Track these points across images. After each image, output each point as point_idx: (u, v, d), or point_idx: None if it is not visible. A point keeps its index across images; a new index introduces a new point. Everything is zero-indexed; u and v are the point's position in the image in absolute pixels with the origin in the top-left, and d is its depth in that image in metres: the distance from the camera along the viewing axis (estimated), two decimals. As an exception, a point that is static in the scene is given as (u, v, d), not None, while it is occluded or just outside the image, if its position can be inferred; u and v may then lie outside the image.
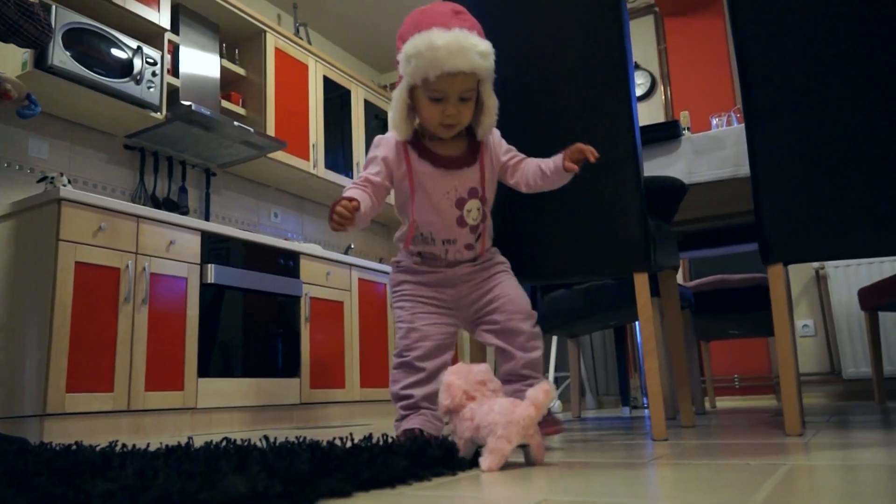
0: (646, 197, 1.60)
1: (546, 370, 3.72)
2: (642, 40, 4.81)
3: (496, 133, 1.51)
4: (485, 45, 1.34)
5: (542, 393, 1.04)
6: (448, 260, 1.49)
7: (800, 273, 4.14)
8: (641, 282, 1.57)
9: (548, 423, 1.35)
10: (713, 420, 2.25)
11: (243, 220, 4.22)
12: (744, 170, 2.00)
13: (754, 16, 1.57)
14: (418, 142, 1.46)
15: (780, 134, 1.54)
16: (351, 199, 1.31)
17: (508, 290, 1.48)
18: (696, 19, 4.67)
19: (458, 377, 1.13)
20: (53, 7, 2.85)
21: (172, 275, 2.93)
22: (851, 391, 3.92)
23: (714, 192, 2.20)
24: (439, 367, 1.41)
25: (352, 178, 4.59)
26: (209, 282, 3.06)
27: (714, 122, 2.52)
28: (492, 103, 1.42)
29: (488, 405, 1.08)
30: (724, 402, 4.10)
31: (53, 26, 2.82)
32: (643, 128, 2.02)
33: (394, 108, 1.41)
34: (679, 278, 3.97)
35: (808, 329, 4.08)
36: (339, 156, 4.55)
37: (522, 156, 1.51)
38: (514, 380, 1.43)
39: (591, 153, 1.37)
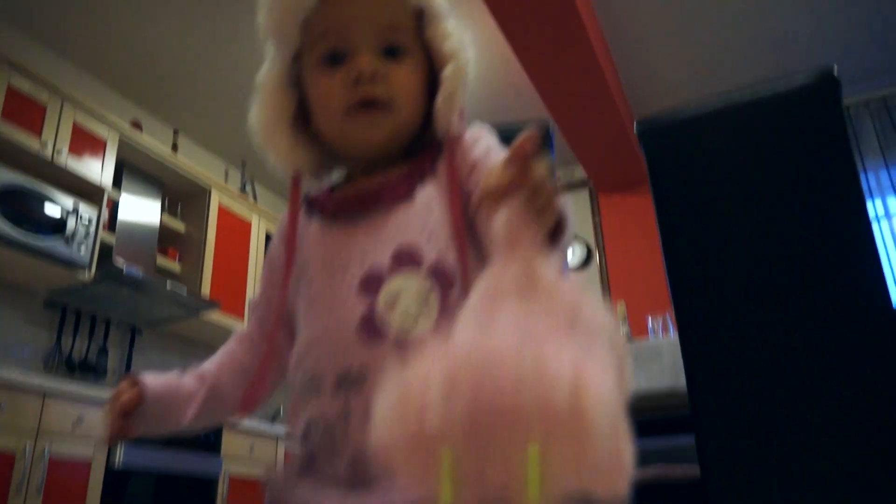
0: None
1: None
2: (579, 212, 5.04)
3: (478, 134, 0.76)
4: None
5: None
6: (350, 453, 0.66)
7: None
8: None
9: None
10: None
11: (166, 380, 3.97)
12: (681, 381, 1.99)
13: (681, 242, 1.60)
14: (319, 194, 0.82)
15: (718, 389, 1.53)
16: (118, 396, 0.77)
17: None
18: (627, 197, 4.93)
19: None
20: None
21: (75, 459, 2.64)
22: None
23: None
24: None
25: (287, 337, 4.44)
26: (117, 466, 2.76)
27: (650, 324, 2.57)
28: (461, 61, 0.74)
29: None
30: None
31: None
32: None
33: (262, 106, 0.80)
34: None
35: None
36: (275, 314, 4.42)
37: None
38: None
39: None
